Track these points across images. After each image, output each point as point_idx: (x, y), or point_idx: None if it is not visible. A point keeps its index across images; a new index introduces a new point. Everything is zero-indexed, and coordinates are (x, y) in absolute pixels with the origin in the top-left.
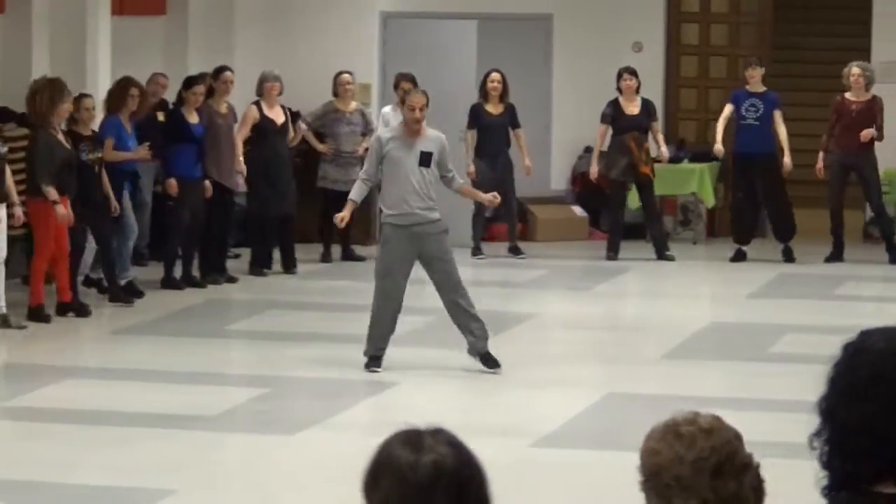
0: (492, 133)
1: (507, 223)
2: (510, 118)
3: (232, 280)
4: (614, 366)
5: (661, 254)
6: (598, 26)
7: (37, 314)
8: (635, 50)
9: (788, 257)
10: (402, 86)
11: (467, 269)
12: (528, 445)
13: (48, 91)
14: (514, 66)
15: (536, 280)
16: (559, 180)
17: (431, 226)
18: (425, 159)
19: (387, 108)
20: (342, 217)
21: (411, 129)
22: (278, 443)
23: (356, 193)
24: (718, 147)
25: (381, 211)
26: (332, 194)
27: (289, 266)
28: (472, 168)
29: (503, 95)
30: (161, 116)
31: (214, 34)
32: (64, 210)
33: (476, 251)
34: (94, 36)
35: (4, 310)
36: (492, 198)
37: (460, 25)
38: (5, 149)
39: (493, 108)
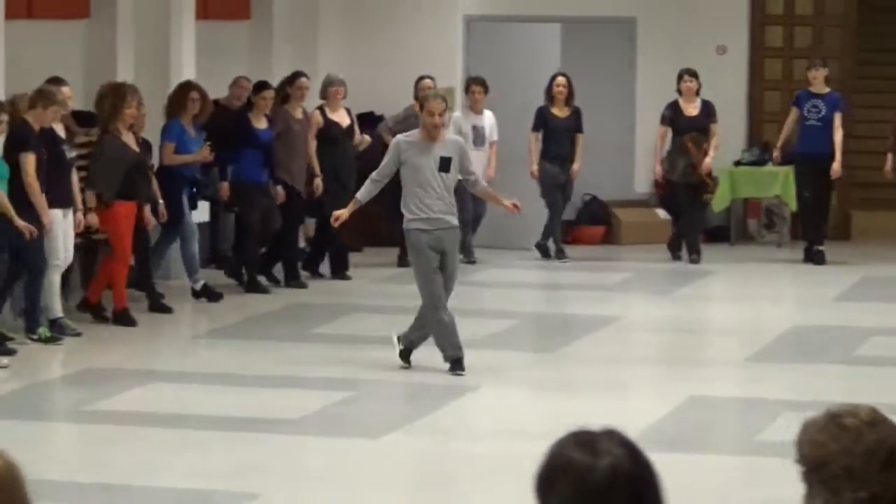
0: (557, 136)
1: (557, 230)
2: (575, 122)
3: (302, 285)
4: (698, 369)
5: (690, 256)
6: (681, 29)
7: (122, 318)
8: (719, 52)
9: (812, 258)
10: (473, 88)
11: (543, 273)
12: None
13: (112, 95)
14: (598, 69)
15: (620, 283)
16: (643, 183)
17: (452, 231)
18: (445, 165)
19: (457, 114)
20: (338, 216)
21: (430, 134)
22: (361, 447)
23: (363, 193)
24: (776, 154)
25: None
26: None
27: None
28: (534, 167)
29: (569, 99)
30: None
31: (298, 38)
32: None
33: (560, 254)
34: (178, 40)
35: (59, 313)
36: (512, 206)
37: (544, 29)
38: (74, 154)
39: (559, 112)
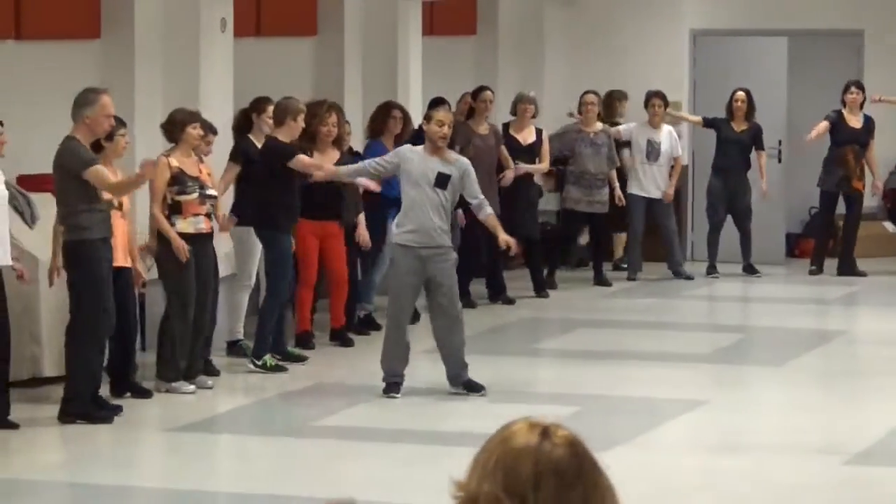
0: (729, 149)
1: (744, 247)
2: (751, 138)
3: (510, 301)
4: None
5: (842, 268)
6: None
7: (302, 341)
8: None
9: None
10: (653, 102)
11: (766, 287)
12: (841, 463)
13: (308, 114)
14: (825, 81)
15: (848, 296)
16: (870, 196)
17: (440, 251)
18: (441, 181)
19: (632, 124)
20: (318, 168)
21: (435, 146)
22: None
23: (350, 171)
24: None
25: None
26: (576, 215)
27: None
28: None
29: (749, 114)
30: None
31: (524, 53)
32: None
33: (710, 269)
34: (405, 56)
35: (240, 335)
36: (508, 242)
37: (770, 42)
38: None
39: (737, 126)
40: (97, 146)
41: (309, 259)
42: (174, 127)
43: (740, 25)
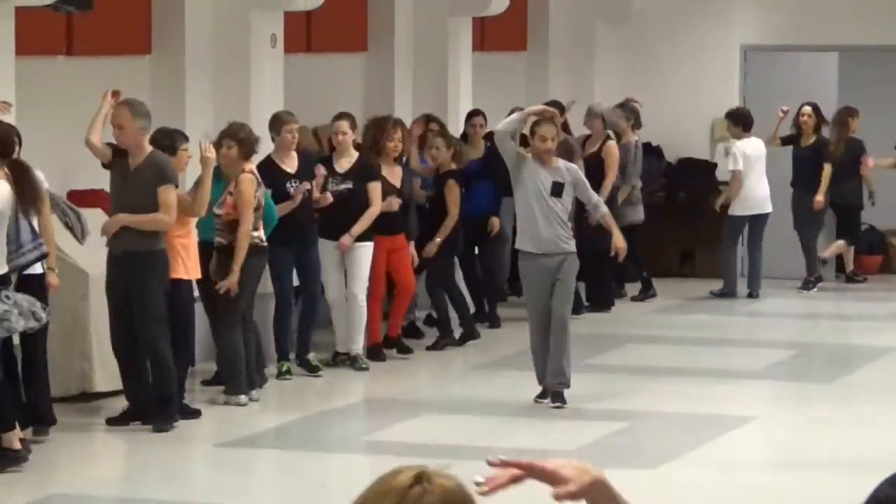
0: (798, 165)
1: (808, 258)
2: (820, 152)
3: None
4: None
5: None
6: None
7: (373, 353)
8: None
9: None
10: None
11: (819, 303)
12: None
13: (374, 129)
14: (876, 98)
15: None
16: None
17: (564, 256)
18: (557, 189)
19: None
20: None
21: (542, 160)
22: (638, 477)
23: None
24: None
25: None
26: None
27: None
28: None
29: (817, 128)
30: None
31: (575, 68)
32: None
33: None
34: (455, 72)
35: (356, 350)
36: (619, 247)
37: (821, 58)
38: (342, 187)
39: (804, 141)
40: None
41: (378, 272)
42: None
43: (791, 41)
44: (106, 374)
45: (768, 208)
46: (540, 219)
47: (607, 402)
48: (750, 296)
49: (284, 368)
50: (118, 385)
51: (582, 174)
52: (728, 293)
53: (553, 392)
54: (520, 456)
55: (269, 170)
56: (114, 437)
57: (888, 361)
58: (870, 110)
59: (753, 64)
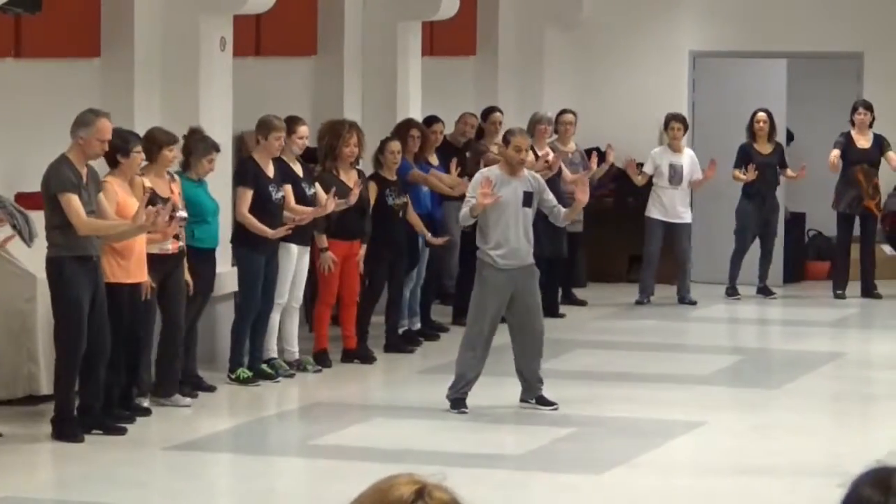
0: (761, 172)
1: (764, 266)
2: (779, 158)
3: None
4: None
5: (868, 291)
6: None
7: (320, 359)
8: None
9: None
10: (673, 125)
11: (765, 308)
12: (839, 486)
13: (329, 134)
14: (824, 104)
15: (844, 319)
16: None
17: (529, 269)
18: (528, 199)
19: (655, 150)
20: (432, 240)
21: (514, 169)
22: (586, 482)
23: (461, 219)
24: None
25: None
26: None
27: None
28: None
29: (771, 134)
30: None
31: (524, 74)
32: (331, 256)
33: (731, 291)
34: (404, 76)
35: (273, 353)
36: (580, 194)
37: (770, 64)
38: (312, 191)
39: (762, 148)
40: (113, 162)
41: (332, 278)
42: (152, 146)
43: (740, 47)
44: (53, 376)
45: (687, 218)
46: (512, 230)
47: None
48: (683, 301)
49: (244, 376)
50: None
51: (543, 181)
52: (641, 301)
53: (539, 396)
54: (465, 461)
55: (252, 171)
56: (60, 440)
57: (834, 368)
58: (817, 117)
59: (702, 70)
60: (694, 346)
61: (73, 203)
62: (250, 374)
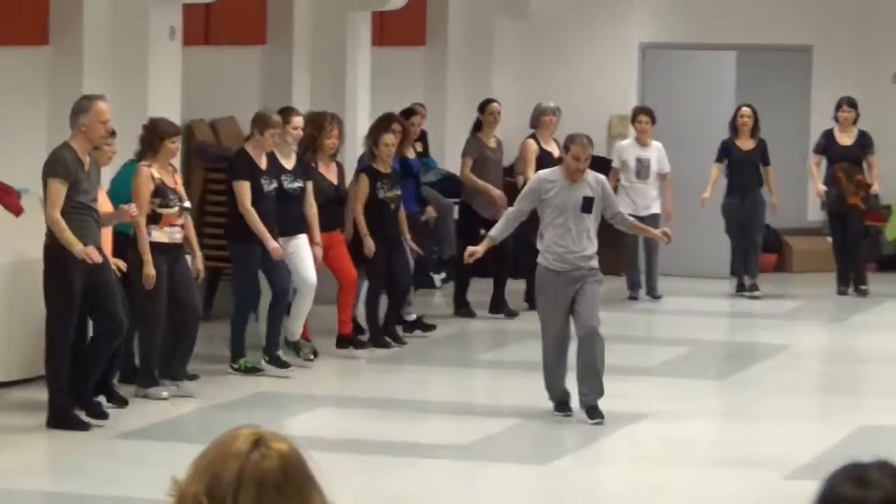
0: (742, 168)
1: (751, 262)
2: (761, 154)
3: (512, 314)
4: (868, 398)
5: (856, 288)
6: (858, 57)
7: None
8: (895, 81)
9: None
10: (640, 118)
11: (716, 301)
12: (781, 478)
13: (310, 126)
14: (773, 97)
15: (791, 311)
16: (816, 211)
17: (590, 273)
18: (587, 205)
19: (622, 142)
20: (472, 251)
21: (573, 177)
22: (530, 472)
23: (498, 231)
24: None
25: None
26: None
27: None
28: (705, 195)
29: (754, 130)
30: (419, 148)
31: (474, 64)
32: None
33: (753, 288)
34: (354, 66)
35: (297, 337)
36: (662, 235)
37: (719, 57)
38: (298, 183)
39: (744, 144)
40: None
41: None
42: (154, 137)
43: (689, 39)
44: (9, 363)
45: (655, 209)
46: (569, 234)
47: (500, 397)
48: (646, 295)
49: (247, 365)
50: (20, 374)
51: (609, 186)
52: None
53: (589, 406)
54: (411, 450)
55: (246, 164)
56: (10, 428)
57: (780, 359)
58: (766, 110)
59: (651, 62)
60: (643, 337)
61: (56, 191)
62: (252, 364)
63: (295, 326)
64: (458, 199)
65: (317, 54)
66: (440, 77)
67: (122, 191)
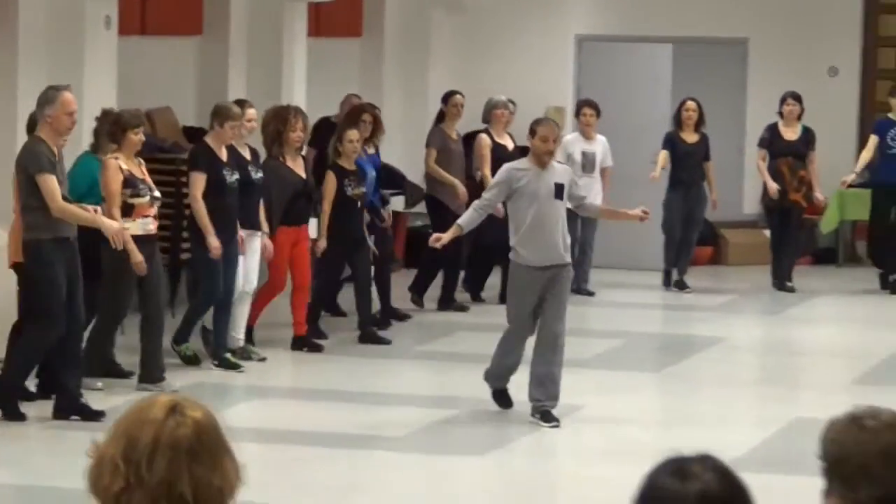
0: (686, 161)
1: (682, 259)
2: (704, 149)
3: (462, 308)
4: (803, 391)
5: (782, 284)
6: (793, 51)
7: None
8: (831, 74)
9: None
10: (585, 111)
11: (650, 293)
12: None
13: (275, 120)
14: (709, 89)
15: (726, 304)
16: (751, 204)
17: (563, 268)
18: (559, 191)
19: (568, 137)
20: (438, 237)
21: (542, 161)
22: (466, 464)
23: (466, 220)
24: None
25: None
26: None
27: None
28: (656, 173)
29: (698, 124)
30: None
31: (410, 56)
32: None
33: (680, 284)
34: (290, 58)
35: (241, 342)
36: (641, 213)
37: (655, 49)
38: (259, 176)
39: (688, 137)
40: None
41: (283, 265)
42: (117, 129)
43: (626, 32)
44: None
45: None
46: (546, 225)
47: (437, 388)
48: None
49: (187, 352)
50: None
51: (572, 173)
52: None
53: (544, 412)
54: (346, 441)
55: (205, 155)
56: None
57: (715, 351)
58: (703, 102)
59: (588, 54)
60: (577, 329)
61: (51, 184)
62: (194, 352)
63: (238, 333)
64: (397, 191)
65: (253, 45)
66: (376, 68)
67: (80, 183)
